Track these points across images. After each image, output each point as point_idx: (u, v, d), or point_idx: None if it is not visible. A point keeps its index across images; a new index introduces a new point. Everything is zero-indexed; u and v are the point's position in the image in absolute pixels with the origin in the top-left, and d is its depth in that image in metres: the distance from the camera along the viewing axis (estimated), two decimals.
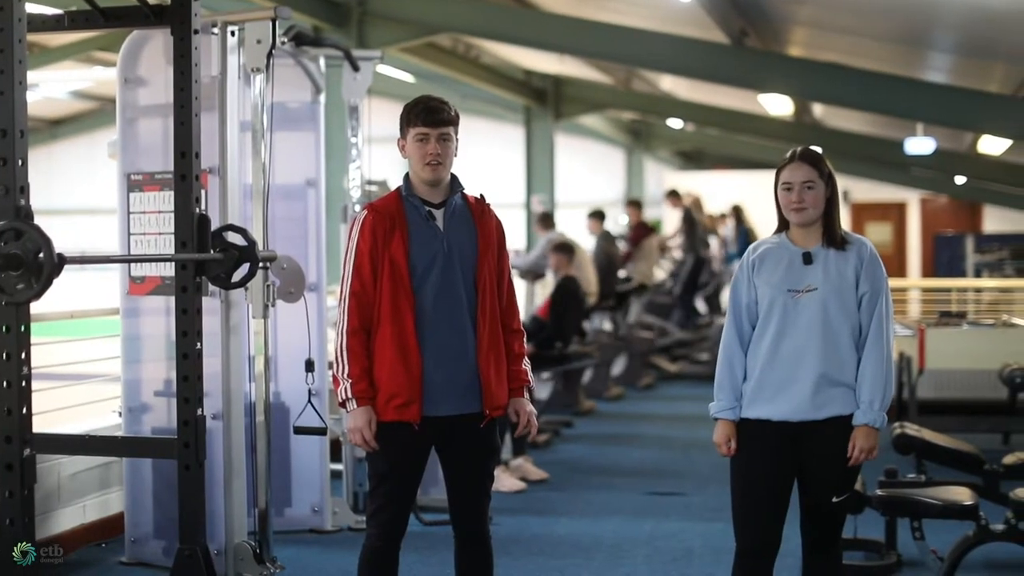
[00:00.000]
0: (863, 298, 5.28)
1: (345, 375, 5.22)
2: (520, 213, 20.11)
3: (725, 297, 21.68)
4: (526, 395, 5.45)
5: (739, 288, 5.44)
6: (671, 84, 19.76)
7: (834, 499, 5.32)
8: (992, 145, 16.85)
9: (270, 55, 7.05)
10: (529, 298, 15.81)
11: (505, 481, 9.87)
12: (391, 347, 5.21)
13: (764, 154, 26.55)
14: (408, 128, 5.28)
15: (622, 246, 18.00)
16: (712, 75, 13.19)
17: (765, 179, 18.97)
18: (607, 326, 16.50)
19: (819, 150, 5.54)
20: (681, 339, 18.69)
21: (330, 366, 6.98)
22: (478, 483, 5.38)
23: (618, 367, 16.28)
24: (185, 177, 6.29)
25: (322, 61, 8.44)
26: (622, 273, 17.38)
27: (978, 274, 19.26)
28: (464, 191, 5.41)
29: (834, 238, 5.32)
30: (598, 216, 17.38)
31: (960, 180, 22.42)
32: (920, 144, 17.21)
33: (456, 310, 5.26)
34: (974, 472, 7.49)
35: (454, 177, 5.38)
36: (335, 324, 5.40)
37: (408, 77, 19.06)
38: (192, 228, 6.28)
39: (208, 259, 6.26)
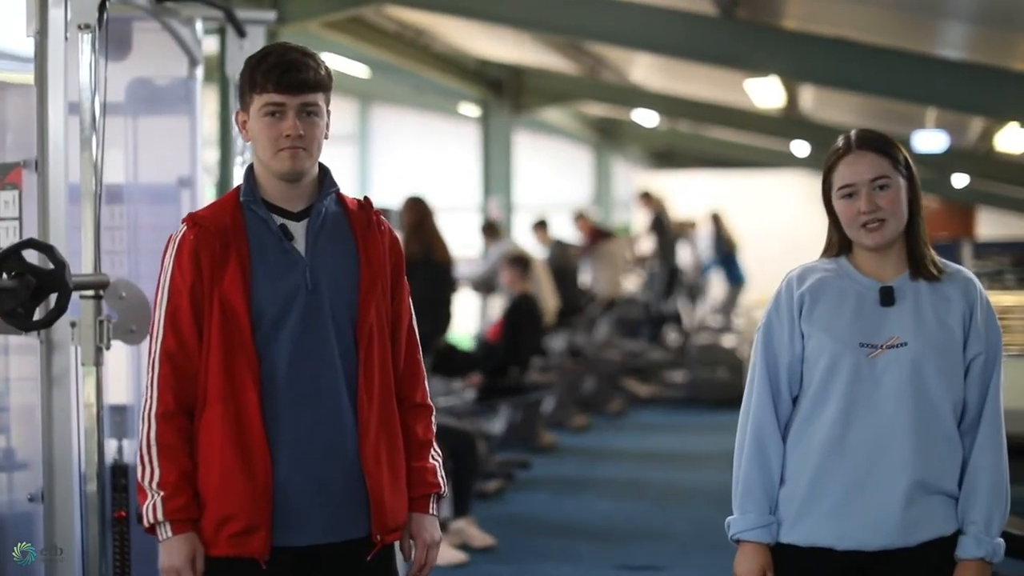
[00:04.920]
0: (972, 363, 3.49)
1: (154, 484, 3.38)
2: (475, 217, 18.28)
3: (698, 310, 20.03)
4: (433, 508, 3.59)
5: (775, 336, 3.59)
6: (643, 74, 18.03)
7: None
8: (1015, 141, 14.97)
9: (103, 7, 5.19)
10: (482, 315, 13.99)
11: (441, 551, 7.99)
12: (224, 440, 3.38)
13: (742, 153, 24.93)
14: (252, 95, 3.43)
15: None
16: (697, 53, 11.48)
17: (743, 180, 17.33)
18: (568, 344, 14.68)
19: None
20: (654, 359, 16.89)
21: None
22: None
23: (584, 392, 14.48)
24: None
25: (199, 25, 6.60)
26: (586, 283, 15.69)
27: None
28: (339, 191, 3.54)
29: (923, 263, 3.52)
30: (542, 226, 15.96)
31: (961, 181, 20.77)
32: (931, 139, 15.34)
33: (326, 379, 3.42)
34: None
35: (324, 171, 3.52)
36: None
37: (353, 67, 17.27)
38: None
39: None
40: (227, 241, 3.38)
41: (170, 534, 3.35)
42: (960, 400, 3.48)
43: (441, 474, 3.63)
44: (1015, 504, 3.61)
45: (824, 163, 3.59)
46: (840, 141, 3.57)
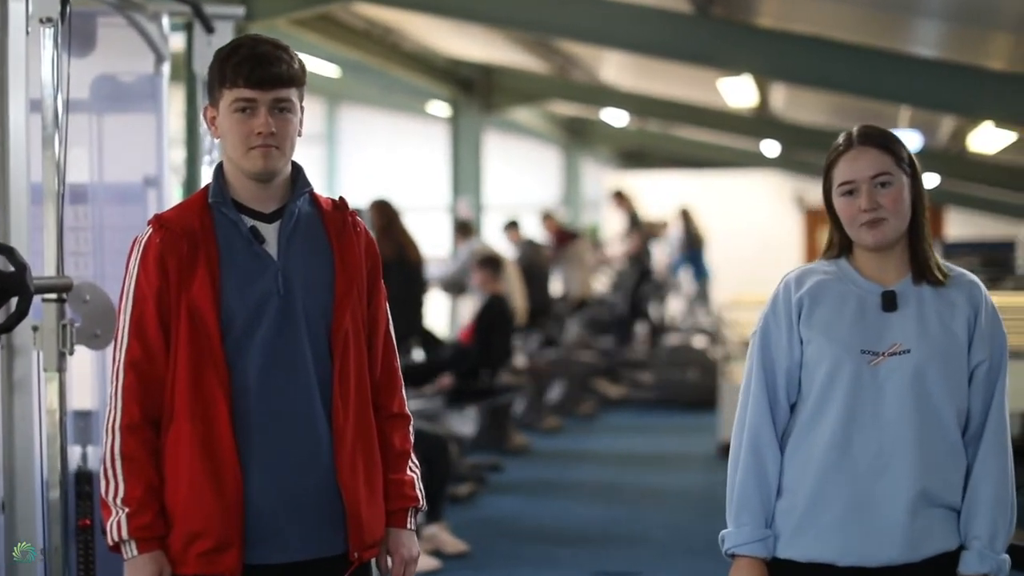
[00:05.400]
0: (976, 370, 3.34)
1: (118, 500, 3.21)
2: (445, 217, 18.07)
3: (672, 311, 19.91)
4: (411, 522, 3.43)
5: (772, 341, 3.43)
6: (614, 73, 17.84)
7: None
8: (988, 141, 14.83)
9: (66, 1, 5.01)
10: (452, 317, 13.80)
11: None
12: (192, 453, 3.21)
13: (712, 153, 24.76)
14: (221, 89, 3.26)
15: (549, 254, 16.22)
16: (672, 51, 11.25)
17: (712, 180, 17.14)
18: (539, 345, 14.50)
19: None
20: (625, 360, 16.72)
21: None
22: None
23: (555, 394, 14.30)
24: None
25: (165, 20, 6.42)
26: (558, 289, 15.46)
27: None
28: (313, 191, 3.37)
29: (927, 267, 3.36)
30: (513, 226, 15.70)
31: (932, 181, 20.61)
32: (904, 139, 15.10)
33: (300, 389, 3.26)
34: None
35: (298, 170, 3.36)
36: None
37: (323, 67, 17.08)
38: None
39: None
40: (195, 244, 3.22)
41: (135, 553, 3.18)
42: (964, 408, 3.33)
43: (419, 487, 3.48)
44: (1022, 514, 3.47)
45: (825, 159, 3.43)
46: (841, 137, 3.42)
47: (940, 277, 3.34)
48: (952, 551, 3.31)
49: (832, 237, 3.44)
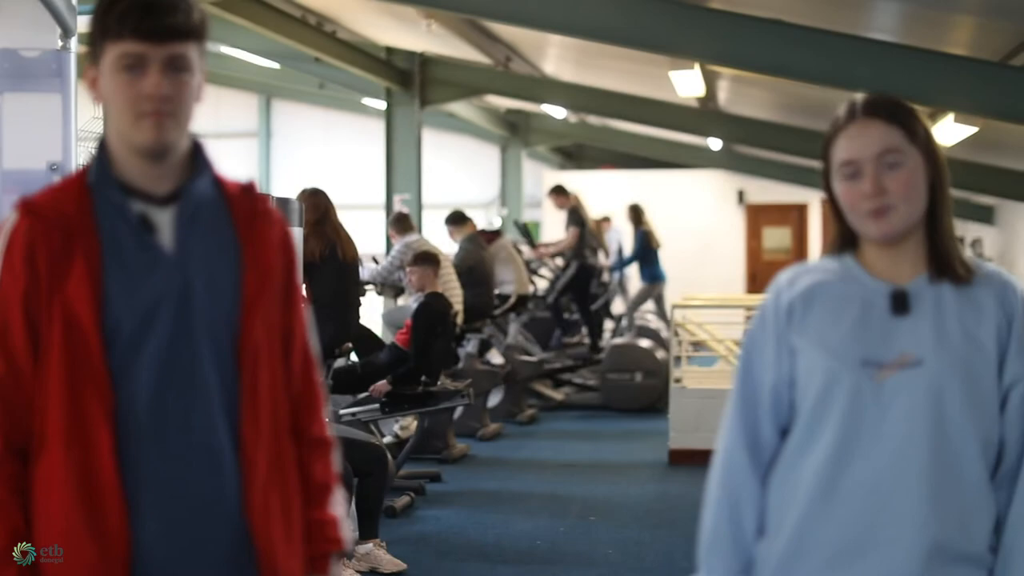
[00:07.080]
0: (1011, 392, 2.71)
1: None
2: (382, 216, 17.52)
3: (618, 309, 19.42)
4: (335, 569, 2.85)
5: (757, 354, 2.85)
6: (555, 66, 17.40)
7: None
8: (945, 134, 14.37)
9: None
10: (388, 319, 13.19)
11: None
12: (68, 491, 2.62)
13: (654, 149, 24.38)
14: (104, 43, 2.65)
15: None
16: (621, 36, 10.73)
17: (653, 178, 16.66)
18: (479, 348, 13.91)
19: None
20: (565, 363, 16.19)
21: None
22: None
23: (495, 398, 13.77)
24: None
25: None
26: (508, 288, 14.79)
27: None
28: (215, 171, 2.78)
29: (948, 261, 2.77)
30: (463, 219, 14.14)
31: None
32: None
33: (200, 412, 2.66)
34: None
35: (198, 145, 2.76)
36: None
37: (258, 60, 16.53)
38: None
39: None
40: (70, 234, 2.61)
41: None
42: (994, 439, 2.71)
43: (344, 526, 2.89)
44: None
45: (824, 137, 2.85)
46: (843, 107, 2.81)
47: (964, 274, 2.75)
48: None
49: (835, 229, 2.85)
